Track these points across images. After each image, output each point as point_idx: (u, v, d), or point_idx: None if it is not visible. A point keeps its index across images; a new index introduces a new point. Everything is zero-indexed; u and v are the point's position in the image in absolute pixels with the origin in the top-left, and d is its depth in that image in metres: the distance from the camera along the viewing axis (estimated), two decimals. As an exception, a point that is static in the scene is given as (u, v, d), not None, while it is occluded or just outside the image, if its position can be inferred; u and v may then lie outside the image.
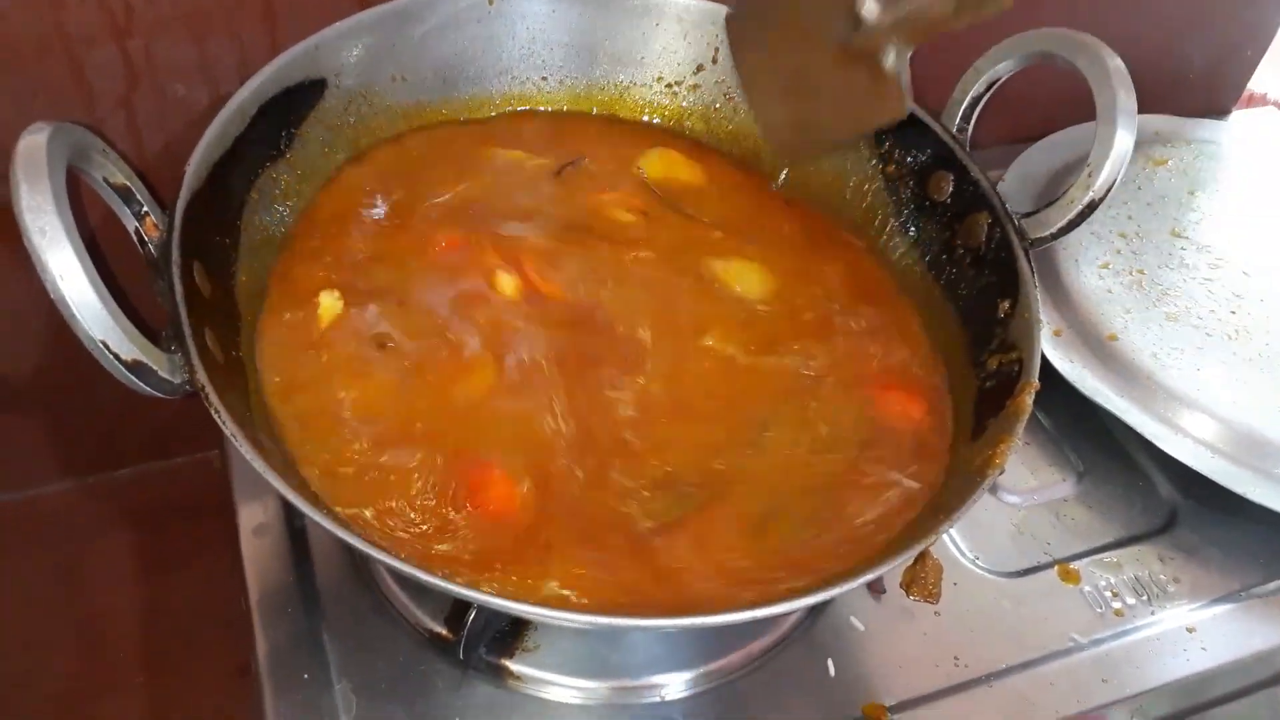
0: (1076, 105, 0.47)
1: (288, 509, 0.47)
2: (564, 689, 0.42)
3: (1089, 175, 0.43)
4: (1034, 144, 0.66)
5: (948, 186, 0.48)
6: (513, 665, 0.42)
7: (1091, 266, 0.58)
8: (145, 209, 0.37)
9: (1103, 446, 0.54)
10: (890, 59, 0.40)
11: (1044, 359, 0.53)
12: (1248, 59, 0.75)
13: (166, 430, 0.63)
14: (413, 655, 0.43)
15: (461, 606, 0.42)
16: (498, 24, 0.51)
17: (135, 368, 0.32)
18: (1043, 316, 0.54)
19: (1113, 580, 0.49)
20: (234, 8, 0.47)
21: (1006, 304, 0.44)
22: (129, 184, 0.37)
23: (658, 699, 0.42)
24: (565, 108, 0.53)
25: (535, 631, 0.43)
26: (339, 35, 0.46)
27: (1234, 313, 0.57)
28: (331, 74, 0.46)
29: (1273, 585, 0.49)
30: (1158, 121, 0.71)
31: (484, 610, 0.41)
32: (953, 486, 0.40)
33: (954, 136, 0.48)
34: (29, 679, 0.56)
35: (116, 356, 0.32)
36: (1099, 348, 0.55)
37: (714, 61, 0.52)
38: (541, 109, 0.53)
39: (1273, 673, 0.48)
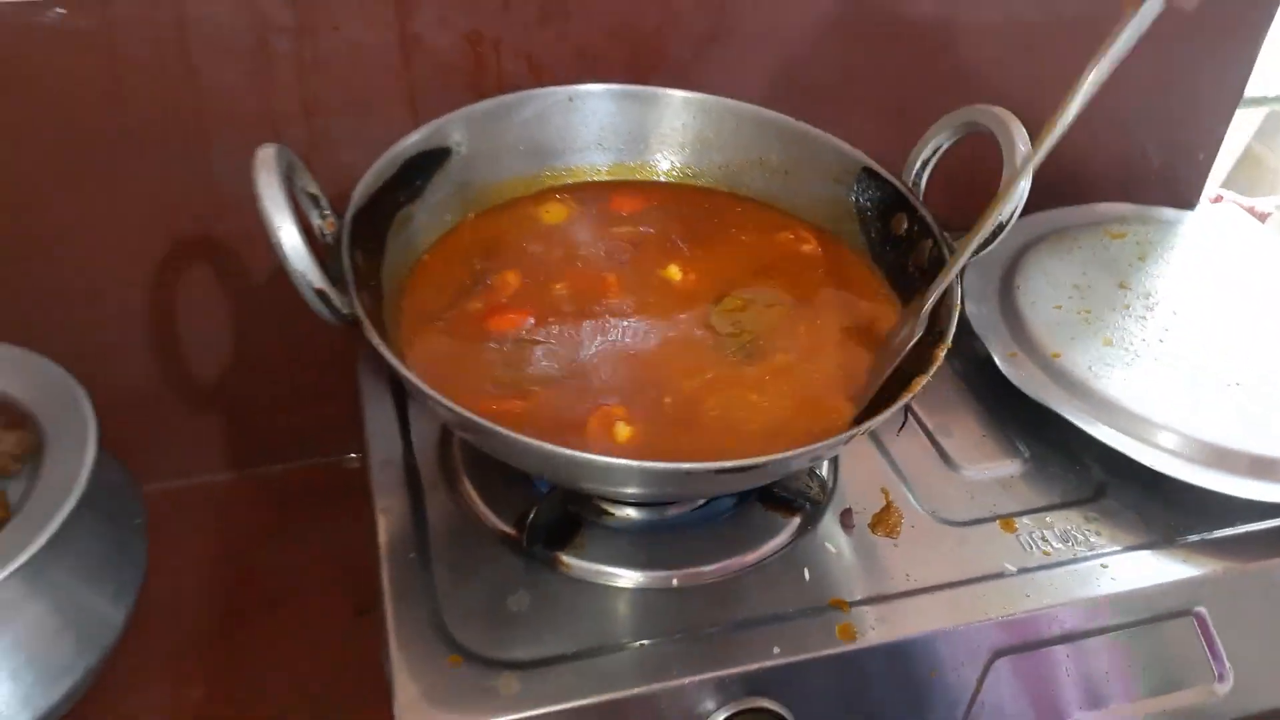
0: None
1: (412, 492, 0.62)
2: (604, 575, 0.56)
3: (998, 205, 0.58)
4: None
5: (903, 224, 0.63)
6: (564, 557, 0.57)
7: (1046, 306, 0.73)
8: (328, 213, 0.55)
9: (1046, 439, 0.67)
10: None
11: (998, 371, 0.67)
12: (1200, 162, 0.89)
13: (314, 434, 0.80)
14: (490, 551, 0.57)
15: (525, 514, 0.57)
16: (575, 116, 0.69)
17: (321, 295, 0.49)
18: (996, 340, 0.69)
19: (1044, 533, 0.61)
20: (388, 99, 0.67)
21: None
22: (318, 194, 0.55)
23: (668, 587, 0.56)
24: (620, 177, 0.71)
25: (583, 533, 0.57)
26: (459, 118, 0.64)
27: (1161, 341, 0.70)
28: (454, 144, 0.65)
29: (1180, 540, 0.61)
30: (1122, 208, 0.86)
31: (541, 512, 0.56)
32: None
33: (909, 188, 0.63)
34: (179, 610, 0.71)
35: (311, 285, 0.49)
36: (1046, 364, 0.68)
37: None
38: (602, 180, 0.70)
39: (1171, 609, 0.59)
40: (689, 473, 0.48)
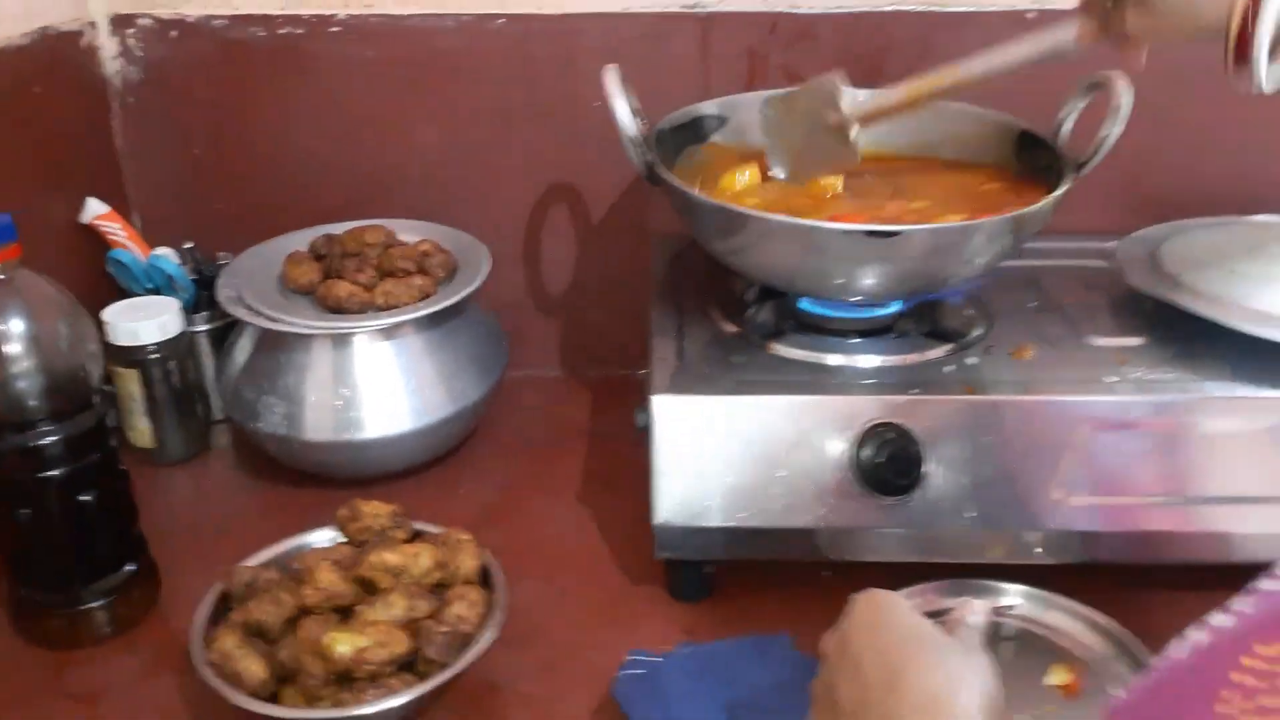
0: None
1: (678, 321, 0.91)
2: (791, 349, 0.81)
3: (1106, 129, 0.81)
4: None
5: (1046, 159, 0.87)
6: (773, 343, 0.83)
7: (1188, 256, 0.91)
8: (644, 125, 0.88)
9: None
10: (854, 132, 0.82)
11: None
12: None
13: (627, 349, 1.09)
14: (720, 341, 0.84)
15: (743, 309, 0.84)
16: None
17: (635, 144, 0.81)
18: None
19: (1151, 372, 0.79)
20: (690, 89, 1.00)
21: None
22: (639, 110, 0.88)
23: (840, 364, 0.80)
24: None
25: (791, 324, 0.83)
26: (740, 99, 0.97)
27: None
28: (731, 114, 0.97)
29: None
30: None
31: (759, 310, 0.83)
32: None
33: (1051, 136, 0.88)
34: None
35: (632, 140, 0.81)
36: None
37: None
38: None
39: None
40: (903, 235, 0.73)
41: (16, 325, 0.70)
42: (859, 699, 0.50)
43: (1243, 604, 0.38)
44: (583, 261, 1.09)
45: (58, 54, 0.97)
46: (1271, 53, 0.58)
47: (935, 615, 0.72)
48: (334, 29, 1.01)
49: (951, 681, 0.49)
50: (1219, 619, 0.39)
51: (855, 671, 0.51)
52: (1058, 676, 0.70)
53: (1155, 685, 0.40)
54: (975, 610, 0.57)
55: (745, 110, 0.97)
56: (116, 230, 1.00)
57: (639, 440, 0.78)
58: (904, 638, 0.52)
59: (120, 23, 1.01)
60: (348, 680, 0.66)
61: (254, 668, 0.66)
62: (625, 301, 1.07)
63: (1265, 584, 0.38)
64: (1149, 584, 0.76)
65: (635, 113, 0.85)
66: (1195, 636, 0.39)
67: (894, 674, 0.50)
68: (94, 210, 1.00)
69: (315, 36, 1.01)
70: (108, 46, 1.02)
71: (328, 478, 0.92)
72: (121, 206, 1.03)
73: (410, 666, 0.67)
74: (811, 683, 0.55)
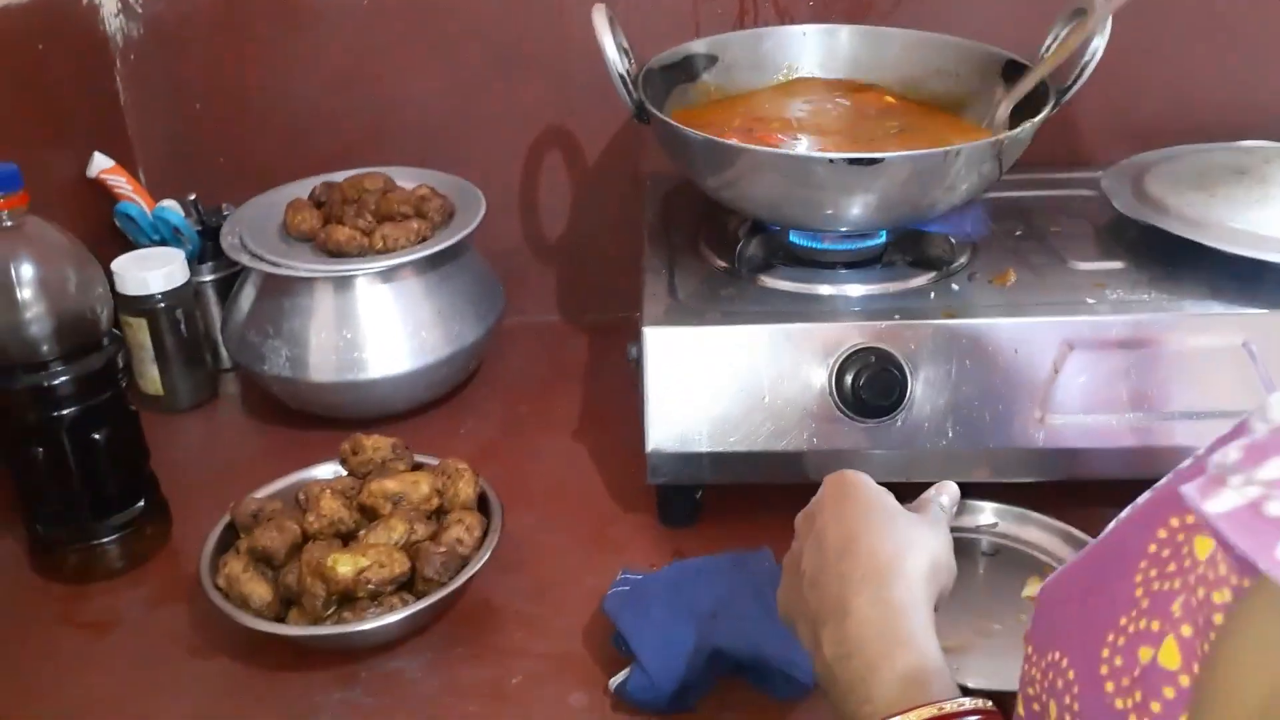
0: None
1: (669, 258, 0.93)
2: (779, 281, 0.83)
3: (1087, 55, 0.82)
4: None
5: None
6: (762, 277, 0.84)
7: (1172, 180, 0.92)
8: (632, 60, 0.89)
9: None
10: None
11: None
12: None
13: (621, 293, 1.11)
14: (711, 276, 0.86)
15: (733, 246, 0.85)
16: (807, 44, 1.01)
17: (623, 80, 0.83)
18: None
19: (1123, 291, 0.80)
20: (683, 27, 1.01)
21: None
22: (628, 48, 0.89)
23: (825, 294, 0.82)
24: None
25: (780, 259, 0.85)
26: (730, 38, 0.98)
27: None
28: (720, 52, 0.98)
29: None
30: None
31: (748, 244, 0.85)
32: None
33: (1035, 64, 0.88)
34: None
35: (621, 77, 0.83)
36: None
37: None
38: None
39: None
40: (885, 161, 0.74)
41: (27, 270, 0.73)
42: (818, 565, 0.53)
43: (1163, 480, 0.40)
44: (577, 207, 1.11)
45: (60, 12, 1.00)
46: None
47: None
48: (328, -20, 1.03)
49: (899, 547, 0.52)
50: (1143, 496, 0.40)
51: (819, 541, 0.54)
52: (1034, 589, 0.72)
53: (1086, 559, 0.42)
54: (948, 492, 0.59)
55: (735, 49, 0.98)
56: (122, 184, 1.03)
57: (633, 374, 0.80)
58: (865, 509, 0.54)
59: (120, -20, 1.04)
60: (350, 600, 0.69)
61: (260, 590, 0.70)
62: (621, 246, 1.09)
63: (1185, 462, 0.39)
64: (1125, 501, 0.77)
65: (624, 51, 0.86)
66: (1122, 514, 0.41)
67: (850, 538, 0.52)
68: (100, 164, 1.02)
69: (310, -11, 1.03)
70: (108, 4, 1.04)
71: (332, 420, 0.94)
72: (127, 160, 1.06)
73: (409, 586, 0.70)
74: (784, 557, 0.58)
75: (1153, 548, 0.38)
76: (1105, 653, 0.39)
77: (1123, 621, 0.38)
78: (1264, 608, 0.30)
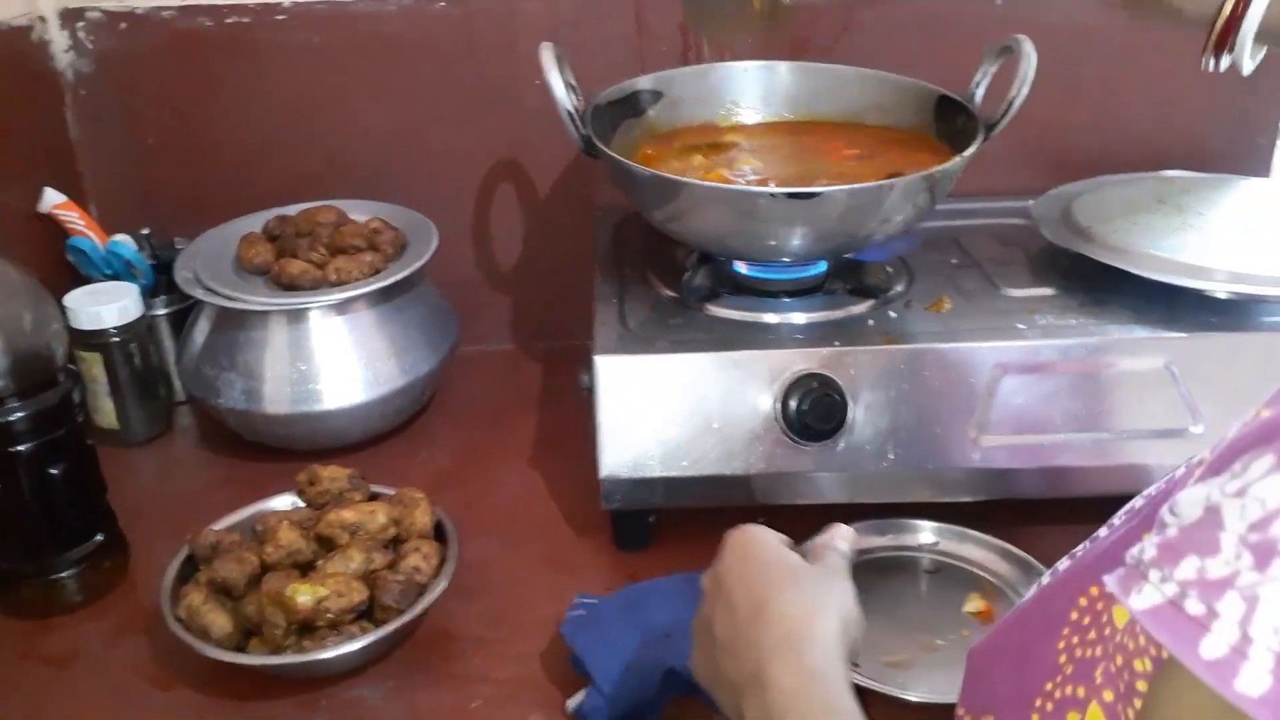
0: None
1: (620, 289, 0.95)
2: (725, 310, 0.86)
3: (1014, 91, 0.86)
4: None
5: (964, 123, 0.92)
6: (709, 306, 0.87)
7: (1098, 211, 0.97)
8: (580, 101, 0.92)
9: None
10: None
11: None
12: (1266, 142, 1.10)
13: (567, 323, 1.14)
14: (660, 305, 0.89)
15: (681, 276, 0.88)
16: (749, 80, 1.04)
17: (571, 116, 0.86)
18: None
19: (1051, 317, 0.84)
20: (628, 63, 1.04)
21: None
22: (575, 85, 0.91)
23: (771, 318, 0.85)
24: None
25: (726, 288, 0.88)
26: (675, 74, 1.01)
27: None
28: (665, 89, 1.01)
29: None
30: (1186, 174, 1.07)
31: (695, 275, 0.88)
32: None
33: (968, 100, 0.92)
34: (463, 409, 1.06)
35: (569, 114, 0.85)
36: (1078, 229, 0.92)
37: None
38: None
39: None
40: (823, 195, 0.78)
41: (-21, 307, 0.74)
42: (730, 630, 0.54)
43: (1081, 548, 0.43)
44: (530, 238, 1.13)
45: (9, 49, 1.00)
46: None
47: (864, 553, 0.78)
48: (280, 17, 1.04)
49: (808, 610, 0.52)
50: (1063, 563, 0.43)
51: (728, 604, 0.55)
52: (974, 604, 0.75)
53: (1012, 622, 0.44)
54: (842, 536, 0.60)
55: (679, 84, 1.01)
56: (74, 219, 1.03)
57: (585, 402, 0.82)
58: (768, 569, 0.55)
59: (70, 16, 1.04)
60: (309, 630, 0.70)
61: (220, 620, 0.71)
62: (573, 275, 1.11)
63: (1102, 530, 0.42)
64: (1058, 518, 0.80)
65: (571, 88, 0.89)
66: (1044, 580, 0.43)
67: (759, 604, 0.53)
68: (51, 200, 1.02)
69: (262, 25, 1.04)
70: (58, 40, 1.05)
71: (288, 451, 0.95)
72: (79, 196, 1.06)
73: (369, 615, 0.72)
74: (693, 620, 0.59)
75: (1074, 615, 0.40)
76: (1035, 717, 0.41)
77: (1049, 687, 0.41)
78: (1186, 689, 0.31)
